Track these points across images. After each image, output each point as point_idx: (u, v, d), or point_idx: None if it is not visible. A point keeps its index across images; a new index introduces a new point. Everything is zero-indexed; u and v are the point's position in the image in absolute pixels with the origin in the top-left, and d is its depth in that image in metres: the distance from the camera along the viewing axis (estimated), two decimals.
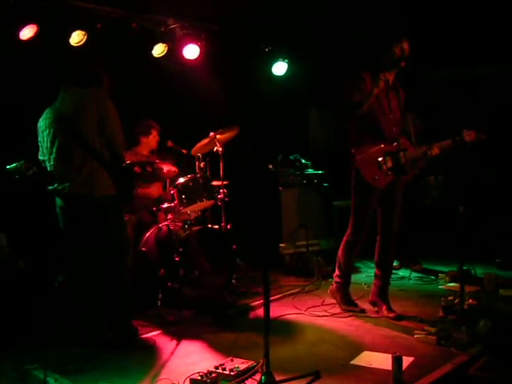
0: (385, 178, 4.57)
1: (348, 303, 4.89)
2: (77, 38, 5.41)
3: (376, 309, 4.82)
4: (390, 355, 3.42)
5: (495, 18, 6.31)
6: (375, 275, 4.88)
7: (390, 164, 4.56)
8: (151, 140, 5.80)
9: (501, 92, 7.12)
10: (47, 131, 4.06)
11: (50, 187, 4.05)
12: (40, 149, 4.17)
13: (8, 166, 3.77)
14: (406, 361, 3.56)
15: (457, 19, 6.30)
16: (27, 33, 5.07)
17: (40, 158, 4.16)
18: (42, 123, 4.13)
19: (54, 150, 4.02)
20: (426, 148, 4.63)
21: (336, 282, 4.95)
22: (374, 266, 4.94)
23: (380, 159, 4.55)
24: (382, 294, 4.80)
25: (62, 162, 3.99)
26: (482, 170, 6.74)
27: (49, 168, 4.06)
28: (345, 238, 4.83)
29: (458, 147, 4.58)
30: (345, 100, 4.60)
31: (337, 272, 4.94)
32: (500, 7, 6.13)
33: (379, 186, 4.58)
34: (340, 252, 4.87)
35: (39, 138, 4.16)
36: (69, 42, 5.38)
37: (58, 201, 4.07)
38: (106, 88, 4.24)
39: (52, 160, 4.04)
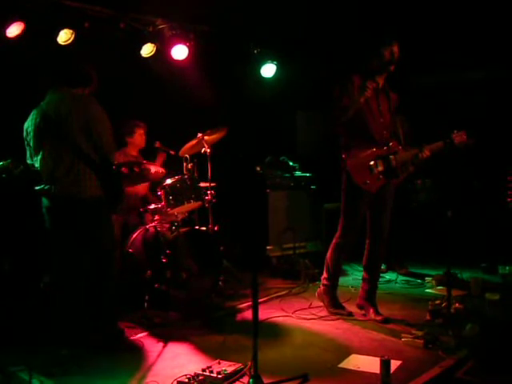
0: (376, 182, 4.57)
1: (335, 306, 4.88)
2: (64, 36, 5.36)
3: (363, 312, 4.82)
4: (377, 358, 3.43)
5: (482, 22, 6.35)
6: (363, 278, 4.87)
7: (381, 168, 4.56)
8: (136, 139, 5.74)
9: (489, 96, 7.17)
10: (34, 133, 4.00)
11: (37, 187, 3.99)
12: (27, 152, 4.10)
13: None
14: (394, 364, 3.55)
15: (446, 23, 6.33)
16: (14, 30, 5.01)
17: (28, 161, 4.09)
18: (28, 124, 4.05)
19: (42, 152, 3.96)
20: (416, 151, 4.63)
21: (323, 285, 4.94)
22: (361, 268, 4.95)
23: (371, 163, 4.54)
24: (370, 297, 4.80)
25: (50, 163, 3.93)
26: (468, 174, 6.78)
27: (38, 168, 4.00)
28: (334, 241, 4.81)
29: (449, 149, 4.59)
30: (334, 104, 4.59)
31: (324, 275, 4.92)
32: (488, 11, 6.17)
33: (370, 190, 4.58)
34: (329, 254, 4.86)
35: (26, 141, 4.08)
36: (56, 41, 5.33)
37: (45, 201, 4.01)
38: (94, 86, 4.19)
39: (39, 161, 3.97)
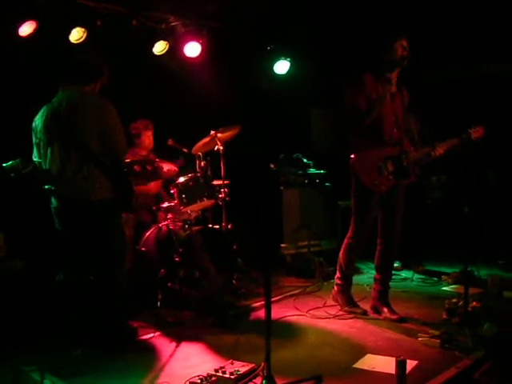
0: (385, 183, 4.49)
1: (350, 305, 4.82)
2: (77, 35, 5.37)
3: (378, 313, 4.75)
4: (393, 358, 3.36)
5: (495, 18, 6.24)
6: (375, 279, 4.81)
7: (390, 168, 4.48)
8: (144, 140, 5.68)
9: (503, 91, 7.03)
10: (44, 131, 3.95)
11: (46, 186, 3.96)
12: (34, 150, 4.06)
13: (4, 164, 3.70)
14: (410, 364, 3.49)
15: (456, 18, 6.24)
16: (26, 29, 5.03)
17: (34, 159, 4.04)
18: (38, 122, 4.01)
19: (51, 150, 3.92)
20: (428, 149, 4.55)
21: (337, 285, 4.89)
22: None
23: (380, 164, 4.47)
24: (382, 297, 4.74)
25: (58, 162, 3.89)
26: (484, 170, 6.67)
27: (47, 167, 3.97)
28: (346, 241, 4.76)
29: (465, 145, 4.50)
30: (346, 106, 4.51)
31: (338, 274, 4.87)
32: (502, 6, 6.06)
33: (379, 191, 4.51)
34: (341, 254, 4.81)
35: (35, 139, 4.04)
36: (69, 39, 5.33)
37: (54, 201, 3.99)
38: (105, 78, 4.15)
39: (48, 160, 3.93)
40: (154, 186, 5.58)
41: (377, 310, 4.75)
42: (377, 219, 4.71)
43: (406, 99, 4.65)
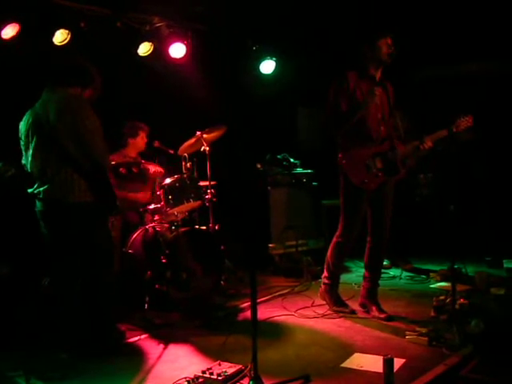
0: (374, 180, 4.48)
1: (338, 304, 4.82)
2: (60, 36, 5.32)
3: (366, 310, 4.75)
4: (381, 357, 3.36)
5: (476, 16, 6.28)
6: (364, 277, 4.80)
7: (379, 165, 4.48)
8: (139, 141, 5.68)
9: (485, 89, 7.07)
10: (26, 134, 3.94)
11: (30, 190, 3.93)
12: (23, 153, 4.04)
13: None
14: (398, 363, 3.51)
15: (439, 16, 6.27)
16: (9, 32, 4.98)
17: (23, 162, 4.02)
18: (22, 125, 4.00)
19: (32, 154, 3.90)
20: (417, 143, 4.54)
21: (324, 284, 4.88)
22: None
23: (368, 162, 4.47)
24: (371, 295, 4.74)
25: (39, 165, 3.86)
26: (471, 167, 6.72)
27: (29, 170, 3.95)
28: (334, 240, 4.74)
29: (453, 137, 4.50)
30: (330, 107, 4.51)
31: (325, 273, 4.86)
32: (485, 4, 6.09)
33: (369, 189, 4.50)
34: (329, 253, 4.79)
35: (21, 142, 4.02)
36: (52, 41, 5.29)
37: (37, 204, 3.95)
38: (97, 88, 4.13)
39: (30, 163, 3.92)
40: (143, 196, 5.51)
41: (365, 307, 4.75)
42: (366, 217, 4.72)
43: (391, 95, 4.66)
